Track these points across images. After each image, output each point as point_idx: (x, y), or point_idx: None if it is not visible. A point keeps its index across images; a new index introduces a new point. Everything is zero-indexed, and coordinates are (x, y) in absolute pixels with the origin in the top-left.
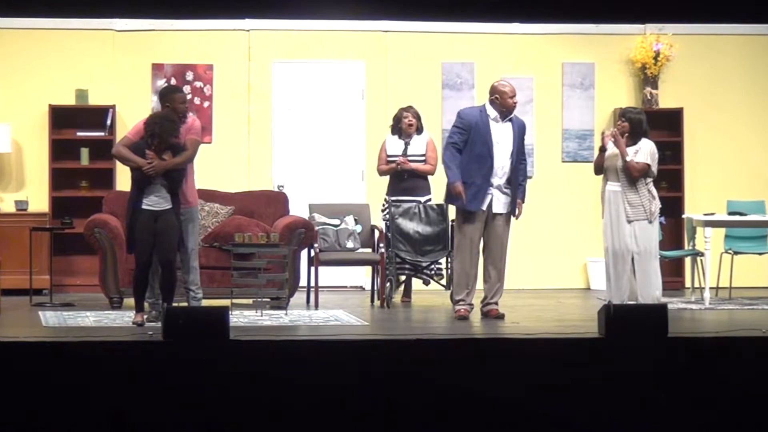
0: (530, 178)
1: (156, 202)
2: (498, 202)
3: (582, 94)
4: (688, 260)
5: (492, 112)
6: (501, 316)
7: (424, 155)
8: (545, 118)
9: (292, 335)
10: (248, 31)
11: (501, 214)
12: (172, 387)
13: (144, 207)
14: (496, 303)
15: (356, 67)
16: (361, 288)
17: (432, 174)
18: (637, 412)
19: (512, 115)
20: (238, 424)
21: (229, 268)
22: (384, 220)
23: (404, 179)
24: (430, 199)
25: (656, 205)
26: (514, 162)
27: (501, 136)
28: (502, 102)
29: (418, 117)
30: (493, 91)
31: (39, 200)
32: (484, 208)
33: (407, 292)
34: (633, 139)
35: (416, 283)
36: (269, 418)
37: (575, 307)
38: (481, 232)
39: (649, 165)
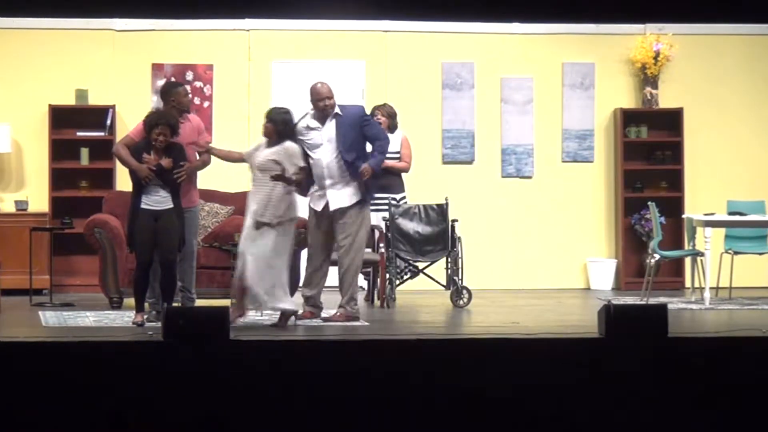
0: (530, 178)
1: (157, 201)
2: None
3: (582, 94)
4: (688, 260)
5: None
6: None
7: (398, 152)
8: (545, 118)
9: (292, 335)
10: (248, 31)
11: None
12: (172, 387)
13: (144, 206)
14: (343, 306)
15: (356, 67)
16: (361, 288)
17: (407, 171)
18: (637, 412)
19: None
20: (238, 424)
21: (229, 268)
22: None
23: (380, 177)
24: (404, 197)
25: (286, 208)
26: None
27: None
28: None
29: (389, 115)
30: None
31: (39, 200)
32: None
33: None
34: (280, 140)
35: (417, 284)
36: (269, 417)
37: (575, 307)
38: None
39: (304, 167)
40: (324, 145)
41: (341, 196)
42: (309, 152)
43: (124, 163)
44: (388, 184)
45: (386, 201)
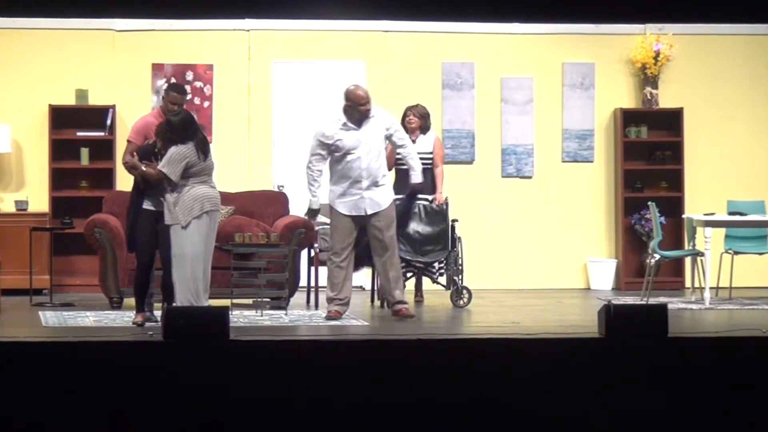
0: (530, 178)
1: (158, 202)
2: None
3: (582, 94)
4: (688, 260)
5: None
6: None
7: (431, 153)
8: (545, 118)
9: (292, 335)
10: (248, 31)
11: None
12: (172, 387)
13: (146, 207)
14: (405, 301)
15: (356, 67)
16: (361, 288)
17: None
18: (637, 412)
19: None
20: (238, 424)
21: (229, 268)
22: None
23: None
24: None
25: (182, 208)
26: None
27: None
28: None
29: (422, 116)
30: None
31: (39, 200)
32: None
33: (418, 290)
34: (171, 144)
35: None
36: (269, 418)
37: (575, 307)
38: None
39: (164, 172)
40: (361, 146)
41: (382, 198)
42: (344, 154)
43: (137, 170)
44: (424, 185)
45: (424, 203)
